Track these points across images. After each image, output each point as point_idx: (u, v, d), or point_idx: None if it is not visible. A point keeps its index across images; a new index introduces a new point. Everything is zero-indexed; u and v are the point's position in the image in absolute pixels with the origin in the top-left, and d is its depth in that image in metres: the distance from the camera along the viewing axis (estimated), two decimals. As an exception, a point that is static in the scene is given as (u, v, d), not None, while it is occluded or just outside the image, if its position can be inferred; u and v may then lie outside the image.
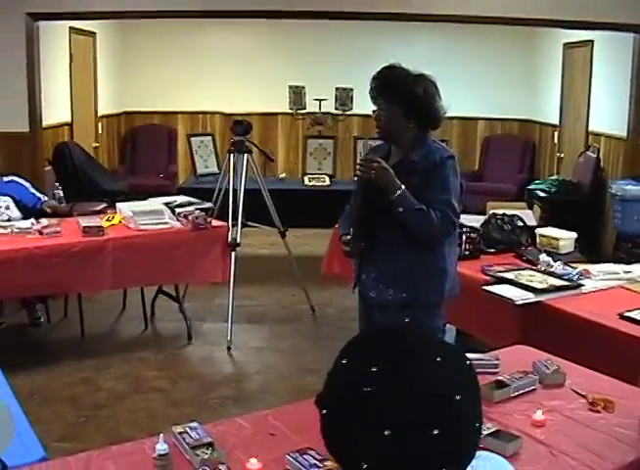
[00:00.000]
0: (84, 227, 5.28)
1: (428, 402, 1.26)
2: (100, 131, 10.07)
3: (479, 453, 1.42)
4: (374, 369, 1.29)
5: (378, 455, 1.26)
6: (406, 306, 3.31)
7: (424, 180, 3.23)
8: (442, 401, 1.27)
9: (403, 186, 3.20)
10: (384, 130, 3.36)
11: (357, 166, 3.31)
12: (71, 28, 8.86)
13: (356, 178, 3.43)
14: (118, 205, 5.82)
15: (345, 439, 1.30)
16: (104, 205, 7.28)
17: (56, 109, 8.35)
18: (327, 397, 1.35)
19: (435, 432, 1.24)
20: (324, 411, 1.34)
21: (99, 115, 10.04)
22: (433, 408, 1.26)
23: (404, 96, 3.27)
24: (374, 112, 3.36)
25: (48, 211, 5.92)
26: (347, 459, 1.31)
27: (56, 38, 8.38)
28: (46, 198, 6.18)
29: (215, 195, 6.48)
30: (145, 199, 6.07)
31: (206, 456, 2.33)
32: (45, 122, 7.40)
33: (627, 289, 4.31)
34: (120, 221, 5.60)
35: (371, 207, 3.30)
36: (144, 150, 10.86)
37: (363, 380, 1.28)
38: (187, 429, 2.49)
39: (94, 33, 9.75)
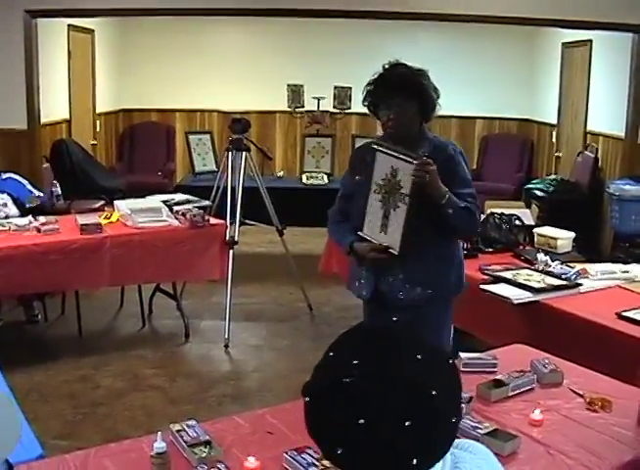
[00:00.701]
0: (82, 225, 5.27)
1: (403, 395, 1.33)
2: (98, 129, 10.06)
3: (463, 443, 1.52)
4: (355, 362, 1.37)
5: (351, 442, 1.34)
6: (431, 303, 3.34)
7: (440, 175, 3.18)
8: (417, 395, 1.34)
9: (448, 190, 3.20)
10: (399, 129, 3.29)
11: (414, 170, 3.13)
12: (70, 26, 8.85)
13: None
14: (116, 202, 5.81)
15: (324, 425, 1.39)
16: (102, 202, 7.27)
17: (54, 106, 8.34)
18: (311, 385, 1.44)
19: (407, 423, 1.31)
20: (307, 399, 1.43)
21: (97, 112, 10.03)
22: (407, 401, 1.33)
23: (422, 93, 3.26)
24: (382, 110, 3.31)
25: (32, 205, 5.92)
26: (324, 444, 1.40)
27: (54, 35, 8.38)
28: (41, 194, 6.18)
29: (213, 193, 6.48)
30: (143, 196, 6.06)
31: (204, 455, 2.33)
32: (43, 120, 7.40)
33: (625, 289, 4.32)
34: (118, 219, 5.60)
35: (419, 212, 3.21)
36: (142, 147, 10.85)
37: (345, 371, 1.36)
38: (185, 427, 2.49)
39: (92, 31, 9.73)
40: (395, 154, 3.22)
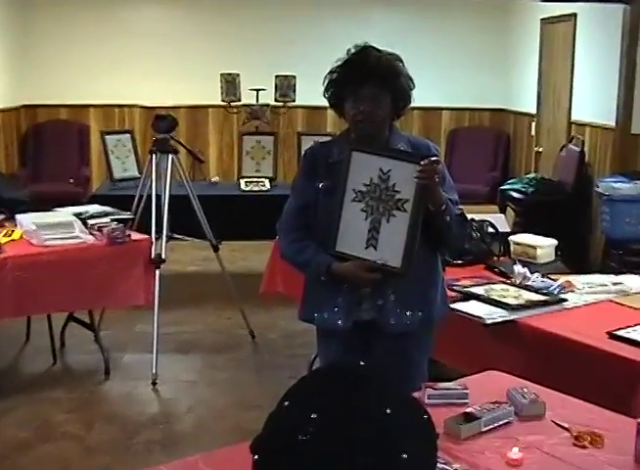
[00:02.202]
0: (-23, 244, 5.21)
1: (367, 459, 1.29)
2: (-6, 129, 9.96)
3: None
4: (313, 416, 1.33)
5: None
6: (419, 329, 3.38)
7: None
8: (385, 460, 1.30)
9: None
10: (370, 124, 3.27)
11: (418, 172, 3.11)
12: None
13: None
14: (18, 217, 5.75)
15: None
16: (1, 217, 7.17)
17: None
18: (262, 441, 1.39)
19: None
20: (256, 457, 1.37)
21: (-9, 109, 9.94)
22: (373, 466, 1.29)
23: (396, 81, 3.25)
24: (339, 103, 3.31)
25: None
26: None
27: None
28: None
29: (135, 203, 6.46)
30: (51, 209, 6.00)
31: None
32: None
33: (617, 303, 4.36)
34: (22, 236, 5.55)
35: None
36: (49, 150, 10.74)
37: (301, 426, 1.33)
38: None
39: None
40: (386, 153, 3.22)
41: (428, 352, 3.59)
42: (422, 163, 3.10)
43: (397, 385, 1.46)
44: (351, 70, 3.26)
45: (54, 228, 5.46)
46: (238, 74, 8.98)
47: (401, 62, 3.31)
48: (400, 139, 3.37)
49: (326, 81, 3.33)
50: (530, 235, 5.40)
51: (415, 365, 3.46)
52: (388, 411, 1.34)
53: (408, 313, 3.35)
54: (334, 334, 3.44)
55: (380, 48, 3.30)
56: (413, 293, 3.35)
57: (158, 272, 5.78)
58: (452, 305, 4.21)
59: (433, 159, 3.12)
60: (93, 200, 7.08)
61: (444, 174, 3.32)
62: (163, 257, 5.87)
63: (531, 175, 8.87)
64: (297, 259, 3.46)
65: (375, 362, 2.99)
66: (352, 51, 3.29)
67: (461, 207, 3.37)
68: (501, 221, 5.67)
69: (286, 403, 1.40)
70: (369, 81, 3.21)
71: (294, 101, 8.97)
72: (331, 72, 3.31)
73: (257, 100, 9.00)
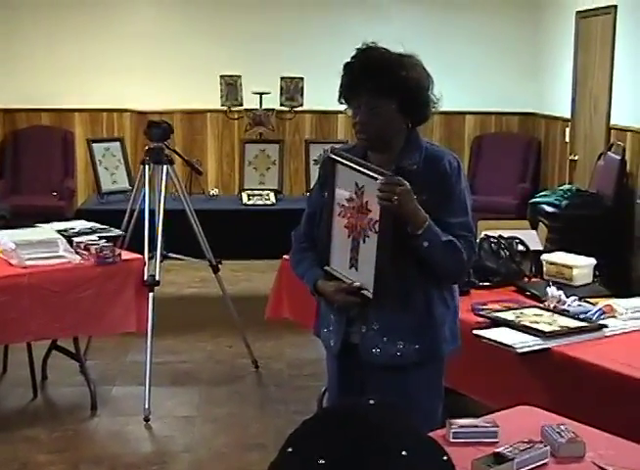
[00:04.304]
0: (-49, 265, 5.23)
1: None
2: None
3: None
4: (321, 462, 1.32)
5: None
6: (417, 364, 3.36)
7: (432, 196, 3.22)
8: None
9: (428, 217, 3.19)
10: (370, 134, 3.30)
11: (378, 190, 3.12)
12: None
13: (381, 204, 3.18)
14: (-4, 234, 5.77)
15: None
16: (-23, 234, 7.21)
17: None
18: None
19: None
20: None
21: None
22: None
23: (400, 87, 3.25)
24: (348, 109, 3.33)
25: None
26: None
27: None
28: None
29: (126, 219, 6.46)
30: (32, 225, 6.02)
31: None
32: None
33: (665, 330, 4.35)
34: None
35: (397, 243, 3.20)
36: (30, 160, 10.74)
37: None
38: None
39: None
40: (358, 167, 3.23)
41: (436, 394, 3.53)
42: (378, 181, 3.11)
43: (410, 421, 1.44)
44: (348, 72, 3.30)
45: (35, 247, 5.46)
46: (239, 77, 9.01)
47: (409, 64, 3.29)
48: (414, 150, 3.37)
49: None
50: (565, 254, 5.39)
51: (419, 408, 3.26)
52: (404, 453, 1.34)
53: (399, 345, 3.35)
54: (331, 353, 3.56)
55: (389, 48, 3.31)
56: (402, 323, 3.35)
57: (151, 295, 5.77)
58: (478, 332, 4.22)
59: (391, 178, 3.12)
60: (79, 215, 7.11)
61: (450, 193, 3.30)
62: (157, 278, 5.87)
63: (566, 187, 8.84)
64: (296, 271, 3.59)
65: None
66: (357, 50, 3.31)
67: (467, 233, 3.32)
68: (532, 238, 5.67)
69: (289, 450, 1.39)
70: (363, 86, 3.25)
71: (301, 105, 8.99)
72: (341, 75, 3.35)
73: (261, 104, 9.03)
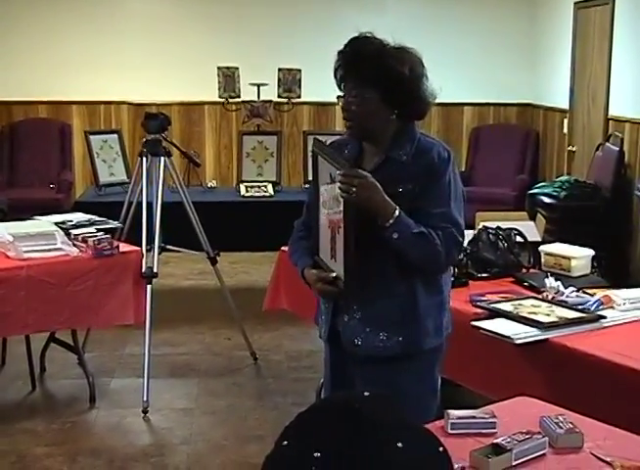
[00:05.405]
0: (-52, 257, 5.23)
1: None
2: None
3: None
4: (317, 454, 1.32)
5: None
6: (402, 356, 3.35)
7: (419, 187, 3.23)
8: None
9: (398, 208, 3.18)
10: (355, 123, 3.32)
11: (338, 182, 3.15)
12: None
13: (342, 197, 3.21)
14: (-6, 226, 5.77)
15: None
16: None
17: None
18: None
19: None
20: None
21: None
22: None
23: (383, 77, 3.24)
24: (339, 97, 3.35)
25: None
26: None
27: None
28: None
29: (124, 211, 6.46)
30: (30, 218, 6.03)
31: None
32: None
33: (662, 320, 4.35)
34: (-3, 248, 5.56)
35: (363, 233, 3.21)
36: (27, 152, 10.75)
37: (302, 467, 1.32)
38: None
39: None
40: (328, 157, 3.26)
41: (428, 386, 3.50)
42: (337, 172, 3.13)
43: (405, 412, 1.45)
44: (336, 63, 3.33)
45: (33, 239, 5.46)
46: (237, 68, 8.99)
47: (410, 56, 3.29)
48: (406, 141, 3.35)
49: None
50: (563, 245, 5.39)
51: (408, 400, 3.25)
52: (400, 445, 1.34)
53: (382, 336, 3.35)
54: (323, 343, 3.61)
55: (382, 38, 3.30)
56: (385, 313, 3.35)
57: (149, 288, 5.77)
58: (476, 324, 4.22)
59: (349, 170, 3.13)
60: (76, 207, 7.10)
61: (434, 185, 3.27)
62: (155, 270, 5.86)
63: (564, 178, 8.84)
64: (291, 258, 3.64)
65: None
66: (350, 40, 3.34)
67: (447, 224, 3.26)
68: (530, 229, 5.67)
69: (284, 442, 1.40)
70: (351, 75, 3.28)
71: (299, 97, 8.98)
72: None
73: (259, 96, 9.02)
